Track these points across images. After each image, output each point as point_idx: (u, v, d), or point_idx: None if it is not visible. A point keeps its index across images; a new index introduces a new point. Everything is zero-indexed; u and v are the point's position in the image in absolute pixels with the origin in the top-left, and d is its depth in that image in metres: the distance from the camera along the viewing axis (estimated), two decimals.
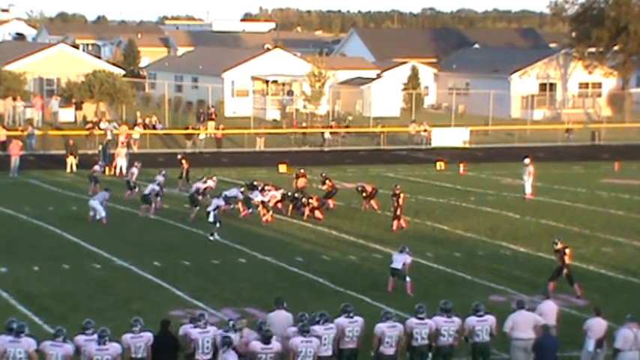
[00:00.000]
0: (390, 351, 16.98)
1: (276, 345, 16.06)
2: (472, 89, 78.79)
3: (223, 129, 57.12)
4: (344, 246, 29.97)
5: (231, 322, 16.78)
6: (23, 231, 31.71)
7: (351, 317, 17.19)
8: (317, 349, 16.24)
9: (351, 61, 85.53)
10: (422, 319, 17.27)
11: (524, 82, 77.97)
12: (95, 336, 15.89)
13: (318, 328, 16.64)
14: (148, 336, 16.31)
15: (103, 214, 32.82)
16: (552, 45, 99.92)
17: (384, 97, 73.83)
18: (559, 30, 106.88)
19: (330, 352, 16.74)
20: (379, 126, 60.46)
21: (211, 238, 30.25)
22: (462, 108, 75.37)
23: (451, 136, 59.64)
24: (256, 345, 15.99)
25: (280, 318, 17.35)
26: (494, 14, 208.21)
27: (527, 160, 39.93)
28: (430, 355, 17.37)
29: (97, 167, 39.38)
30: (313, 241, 30.65)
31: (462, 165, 48.00)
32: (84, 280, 25.21)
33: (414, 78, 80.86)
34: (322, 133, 58.33)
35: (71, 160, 45.11)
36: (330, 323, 16.93)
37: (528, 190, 39.39)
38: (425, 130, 59.53)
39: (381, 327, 17.02)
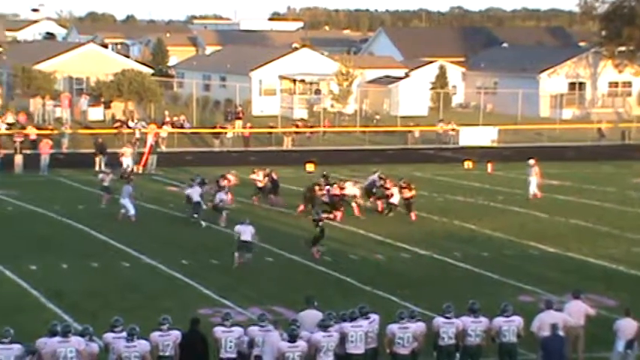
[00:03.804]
0: (403, 351, 16.96)
1: (302, 344, 16.09)
2: (500, 88, 78.44)
3: (251, 127, 57.22)
4: (371, 245, 29.96)
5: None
6: (53, 229, 31.93)
7: (368, 318, 17.22)
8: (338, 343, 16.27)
9: (378, 60, 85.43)
10: (449, 318, 17.25)
11: (553, 81, 77.59)
12: (124, 333, 16.01)
13: (345, 326, 16.68)
14: (175, 334, 16.38)
15: (132, 212, 32.98)
16: (582, 44, 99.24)
17: (412, 96, 73.70)
18: (588, 28, 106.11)
19: (361, 350, 16.75)
20: (413, 125, 60.39)
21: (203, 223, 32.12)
22: (490, 107, 75.10)
23: (479, 135, 59.48)
24: (282, 344, 16.03)
25: (311, 317, 17.34)
26: (523, 13, 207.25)
27: (531, 161, 39.74)
28: (458, 355, 17.34)
29: (102, 176, 37.33)
30: (341, 239, 30.64)
31: (489, 164, 47.84)
32: (113, 278, 25.35)
33: (441, 77, 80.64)
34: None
35: (99, 159, 45.32)
36: (363, 320, 16.94)
37: (533, 190, 39.02)
38: (453, 129, 59.42)
39: (392, 328, 17.03)
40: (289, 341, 16.02)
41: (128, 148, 44.69)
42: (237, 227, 27.08)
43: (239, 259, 26.62)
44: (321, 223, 28.27)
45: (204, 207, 33.02)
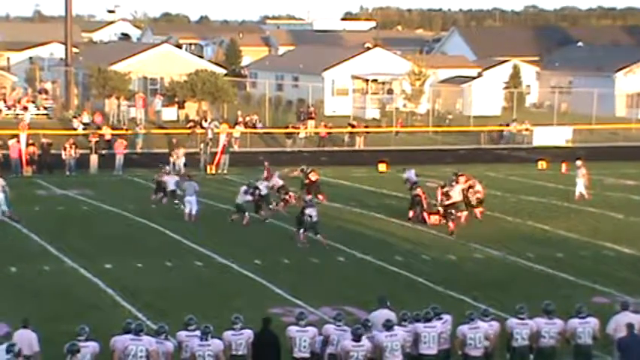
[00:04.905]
0: (475, 352, 16.83)
1: (367, 343, 16.06)
2: (575, 87, 77.51)
3: (325, 126, 57.26)
4: (444, 245, 29.80)
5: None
6: (127, 228, 32.29)
7: (441, 318, 17.13)
8: (403, 342, 16.24)
9: (451, 60, 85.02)
10: (522, 319, 17.10)
11: (629, 80, 76.42)
12: (197, 332, 16.11)
13: (419, 326, 16.65)
14: (248, 333, 16.45)
15: (195, 210, 33.21)
16: None
17: (485, 95, 73.20)
18: None
19: (434, 351, 16.68)
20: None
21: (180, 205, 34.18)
22: (565, 106, 74.27)
23: (553, 135, 58.88)
24: (347, 343, 16.02)
25: (382, 317, 17.28)
26: (599, 11, 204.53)
27: (579, 162, 39.13)
28: (531, 356, 17.17)
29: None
30: (413, 240, 30.54)
31: (564, 164, 47.27)
32: (186, 277, 25.55)
33: (515, 76, 79.95)
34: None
35: (174, 159, 45.69)
36: (436, 321, 16.87)
37: (579, 190, 38.29)
38: (526, 129, 58.91)
39: (462, 329, 16.91)
40: (354, 340, 16.00)
41: (180, 149, 45.03)
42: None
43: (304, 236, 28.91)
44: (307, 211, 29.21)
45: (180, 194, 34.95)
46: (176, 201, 35.31)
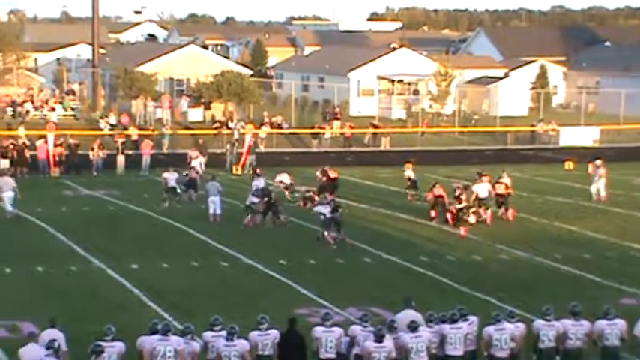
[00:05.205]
0: (501, 353, 16.77)
1: (389, 344, 16.04)
2: (602, 88, 77.10)
3: (351, 127, 57.24)
4: (469, 246, 29.72)
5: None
6: (153, 228, 32.40)
7: (467, 319, 17.09)
8: (429, 344, 16.22)
9: (477, 60, 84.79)
10: (549, 320, 17.02)
11: None
12: (223, 332, 16.13)
13: (445, 327, 16.62)
14: (274, 333, 16.46)
15: (219, 211, 33.29)
16: None
17: (512, 96, 72.94)
18: None
19: (460, 352, 16.64)
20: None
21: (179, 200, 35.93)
22: (592, 107, 73.88)
23: (580, 136, 58.61)
24: (369, 344, 16.00)
25: (408, 317, 17.27)
26: (626, 11, 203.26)
27: (598, 162, 38.87)
28: (558, 357, 17.09)
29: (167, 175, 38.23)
30: (438, 240, 30.48)
31: (591, 165, 46.97)
32: (212, 277, 25.61)
33: (542, 77, 79.69)
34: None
35: (200, 159, 45.78)
36: (462, 322, 16.83)
37: (600, 192, 38.07)
38: (553, 130, 58.67)
39: (488, 330, 16.85)
40: (376, 341, 15.98)
41: (195, 151, 45.13)
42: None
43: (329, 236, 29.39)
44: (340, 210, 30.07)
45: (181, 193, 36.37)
46: (177, 198, 36.38)
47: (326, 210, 29.99)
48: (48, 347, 15.26)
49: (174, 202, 36.05)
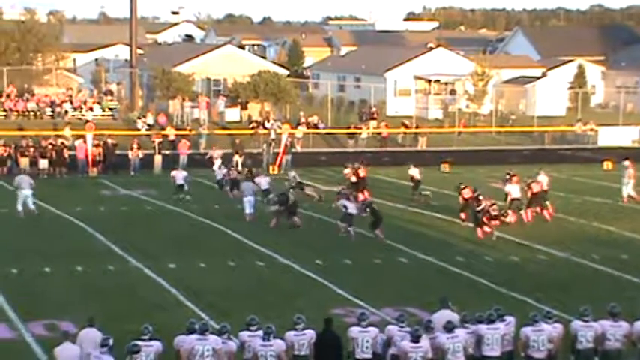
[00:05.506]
0: (538, 354, 16.67)
1: (425, 344, 16.00)
2: None
3: (387, 127, 57.15)
4: (507, 246, 29.60)
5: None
6: (191, 228, 32.54)
7: (504, 320, 17.02)
8: (465, 344, 16.17)
9: (515, 60, 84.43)
10: (587, 321, 16.91)
11: None
12: (259, 332, 16.15)
13: (482, 328, 16.57)
14: (310, 333, 16.46)
15: (247, 211, 33.37)
16: None
17: (549, 96, 72.53)
18: None
19: (497, 353, 16.56)
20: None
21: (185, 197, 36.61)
22: (631, 106, 73.34)
23: (619, 136, 58.19)
24: (405, 344, 15.98)
25: (444, 318, 17.22)
26: None
27: (626, 162, 38.42)
28: (596, 359, 16.98)
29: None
30: (474, 240, 30.37)
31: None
32: (248, 277, 25.67)
33: (580, 76, 79.20)
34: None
35: (237, 159, 45.97)
36: (499, 323, 16.77)
37: (629, 193, 37.52)
38: (591, 130, 58.30)
39: (525, 330, 16.76)
40: (413, 341, 15.96)
41: (218, 150, 45.24)
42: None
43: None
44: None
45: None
46: (181, 195, 37.09)
47: (351, 206, 30.46)
48: (102, 345, 15.42)
49: (185, 199, 36.92)
